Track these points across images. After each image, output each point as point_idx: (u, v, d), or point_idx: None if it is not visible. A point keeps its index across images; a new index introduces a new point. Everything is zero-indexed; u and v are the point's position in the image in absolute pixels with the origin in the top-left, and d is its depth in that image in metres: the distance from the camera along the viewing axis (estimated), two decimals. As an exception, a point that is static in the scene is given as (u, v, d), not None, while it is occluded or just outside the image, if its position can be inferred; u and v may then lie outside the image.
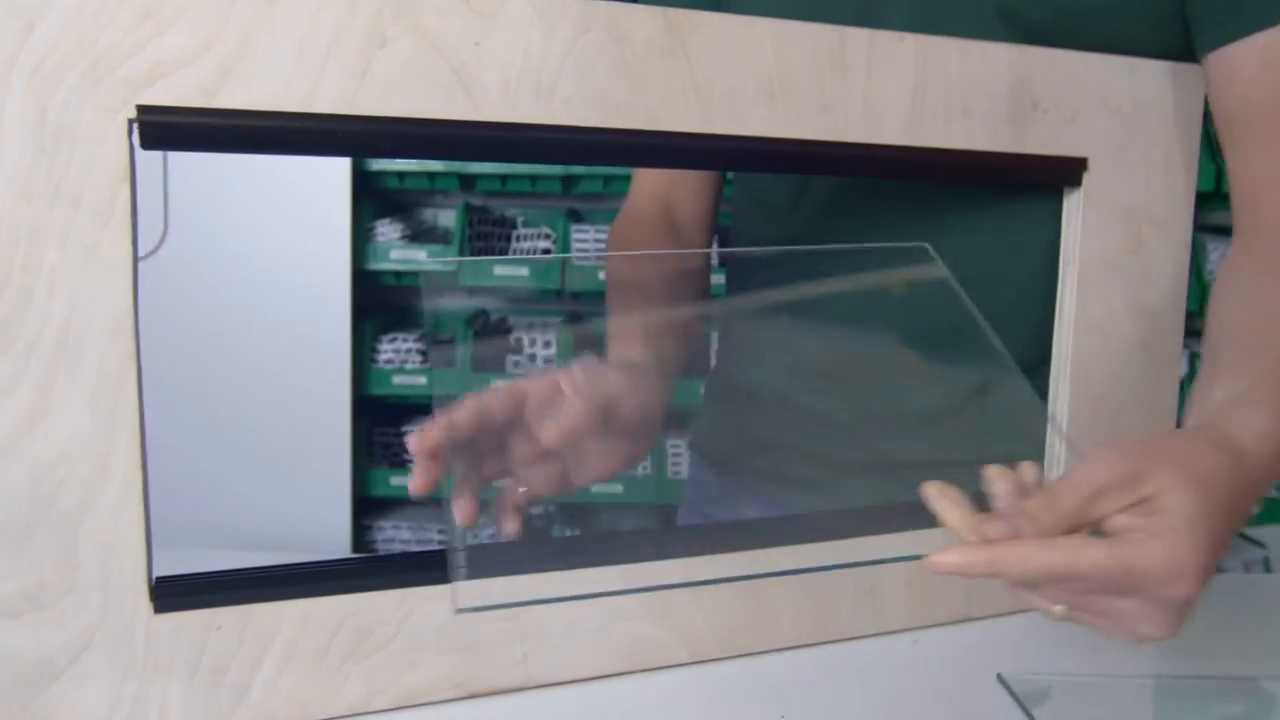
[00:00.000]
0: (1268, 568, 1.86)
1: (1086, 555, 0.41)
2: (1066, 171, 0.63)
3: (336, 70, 0.48)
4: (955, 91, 0.60)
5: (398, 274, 1.73)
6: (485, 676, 0.55)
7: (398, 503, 1.91)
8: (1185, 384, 0.61)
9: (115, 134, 0.45)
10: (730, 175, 0.84)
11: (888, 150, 0.58)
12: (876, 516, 0.62)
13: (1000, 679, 0.57)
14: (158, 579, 0.49)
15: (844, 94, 0.57)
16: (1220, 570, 1.80)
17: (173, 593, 0.49)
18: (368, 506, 1.83)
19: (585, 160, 0.52)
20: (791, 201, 0.75)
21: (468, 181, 1.78)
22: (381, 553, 1.81)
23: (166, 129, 0.46)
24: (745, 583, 0.59)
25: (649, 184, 0.79)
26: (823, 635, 0.62)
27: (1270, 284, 0.59)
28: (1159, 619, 0.42)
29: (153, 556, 0.48)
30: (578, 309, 1.96)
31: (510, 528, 0.55)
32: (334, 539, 1.66)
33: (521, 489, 0.57)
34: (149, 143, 0.46)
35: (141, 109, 0.45)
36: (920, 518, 0.64)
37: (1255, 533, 1.95)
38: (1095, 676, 0.59)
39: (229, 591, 0.50)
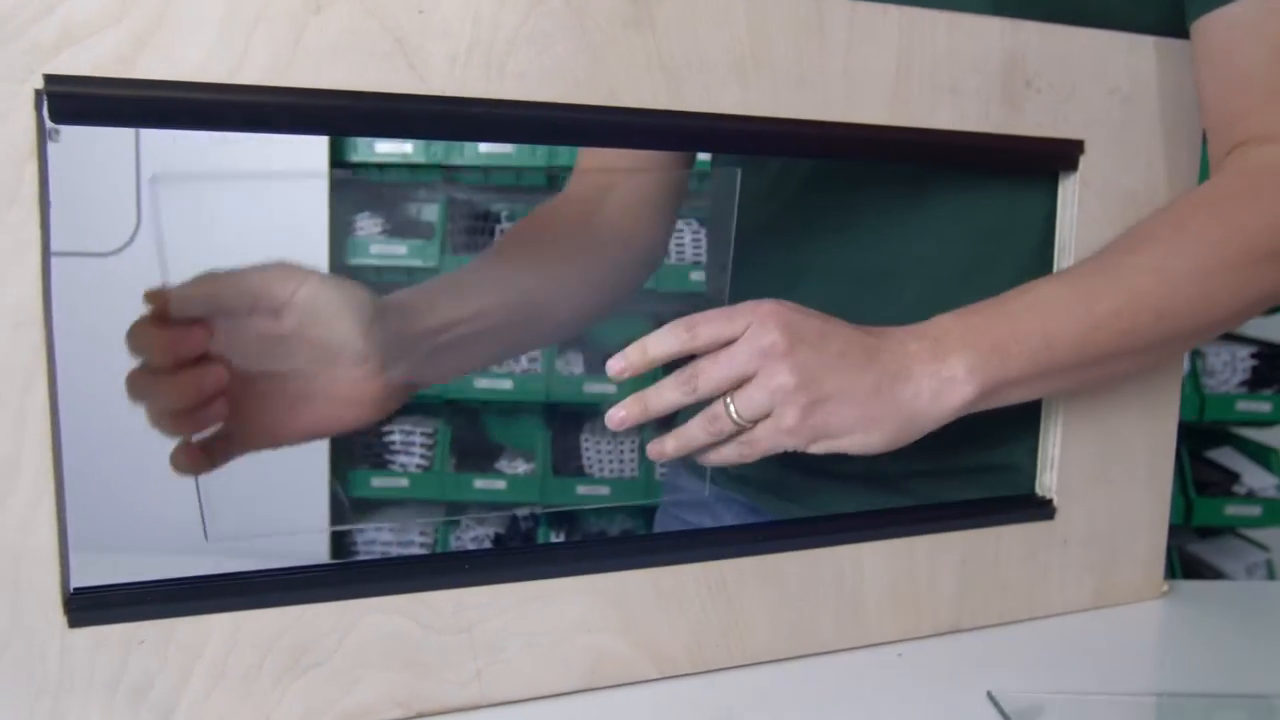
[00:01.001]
0: (1271, 573, 1.82)
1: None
2: (1062, 154, 0.59)
3: (266, 38, 0.44)
4: (943, 67, 0.56)
5: (378, 269, 1.70)
6: (434, 695, 0.51)
7: (379, 504, 1.88)
8: (1186, 382, 0.58)
9: (21, 106, 0.41)
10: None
11: (869, 130, 0.54)
12: (855, 524, 0.59)
13: (990, 696, 0.54)
14: (75, 590, 0.45)
15: (822, 69, 0.53)
16: (1222, 576, 1.76)
17: (90, 605, 0.45)
18: (348, 508, 1.80)
19: (540, 140, 0.49)
20: (771, 186, 0.71)
21: (450, 174, 1.74)
22: (361, 557, 1.77)
23: (78, 101, 0.42)
24: (719, 593, 0.56)
25: (590, 163, 0.75)
26: (801, 648, 0.59)
27: (1146, 231, 0.58)
28: (767, 354, 0.50)
29: (69, 565, 0.45)
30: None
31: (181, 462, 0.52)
32: (310, 543, 1.62)
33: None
34: (59, 116, 0.42)
35: (50, 79, 0.41)
36: (900, 526, 0.61)
37: (1257, 535, 1.92)
38: (1092, 694, 0.55)
39: (152, 604, 0.46)
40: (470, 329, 0.60)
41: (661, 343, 0.51)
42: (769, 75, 0.52)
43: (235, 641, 0.47)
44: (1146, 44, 0.61)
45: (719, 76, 0.51)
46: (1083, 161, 0.60)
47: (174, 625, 0.46)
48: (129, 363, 0.50)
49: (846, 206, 0.67)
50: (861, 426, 0.53)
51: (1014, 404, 0.57)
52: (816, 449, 0.53)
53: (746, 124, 0.52)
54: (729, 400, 0.52)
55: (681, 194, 0.77)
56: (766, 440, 0.53)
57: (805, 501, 0.74)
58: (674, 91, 0.50)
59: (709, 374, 0.52)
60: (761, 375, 0.51)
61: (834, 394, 0.52)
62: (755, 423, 0.52)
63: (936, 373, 0.53)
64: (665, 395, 0.52)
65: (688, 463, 0.81)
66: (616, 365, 0.51)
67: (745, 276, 0.75)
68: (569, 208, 0.73)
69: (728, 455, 0.54)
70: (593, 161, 0.75)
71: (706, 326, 0.51)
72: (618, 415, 0.52)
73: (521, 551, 0.53)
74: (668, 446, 0.55)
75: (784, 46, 0.52)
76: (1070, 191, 0.61)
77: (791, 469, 0.73)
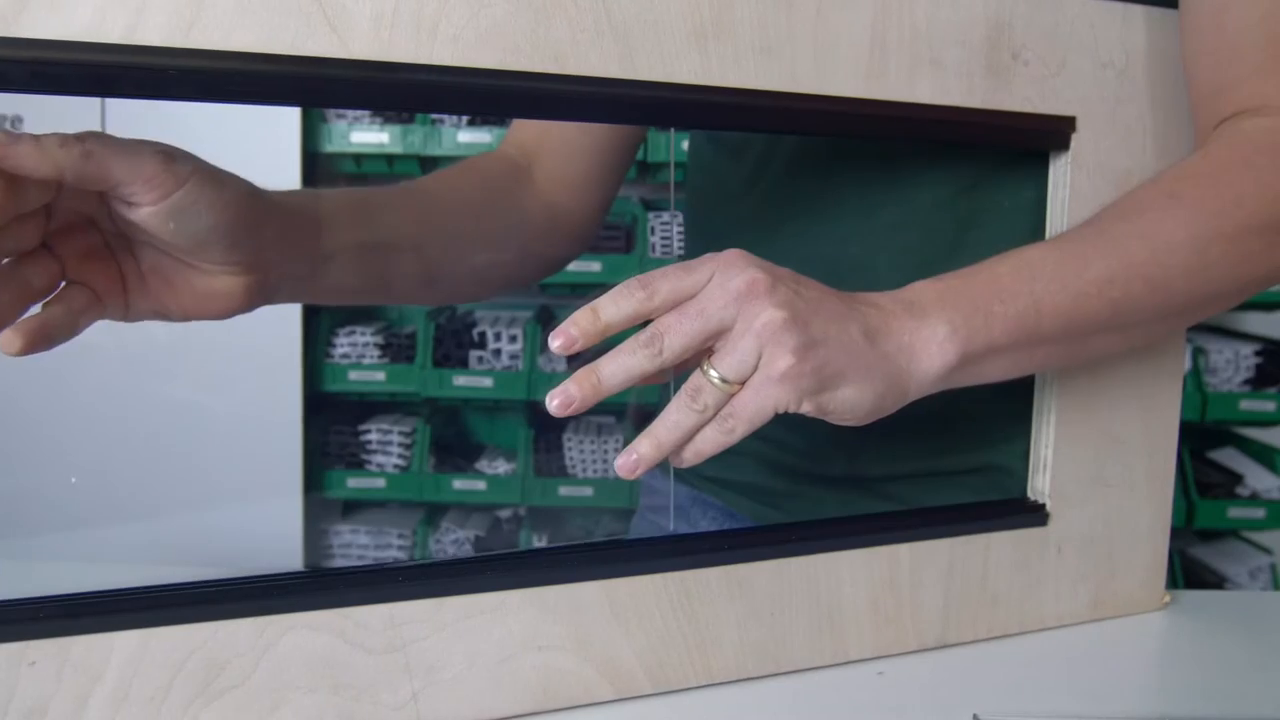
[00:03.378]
0: (1275, 576, 1.78)
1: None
2: (1052, 131, 0.55)
3: (167, -6, 0.40)
4: (922, 37, 0.52)
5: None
6: (366, 719, 0.47)
7: (356, 505, 1.85)
8: (1188, 380, 0.53)
9: (-114, 68, 0.37)
10: (683, 159, 0.76)
11: (842, 103, 0.50)
12: (831, 531, 0.55)
13: None
14: (-42, 606, 0.41)
15: (789, 36, 0.49)
16: (1224, 580, 1.71)
17: (-26, 623, 0.41)
18: (323, 510, 1.77)
19: (477, 110, 0.44)
20: (751, 174, 0.67)
21: (428, 165, 1.70)
22: (338, 562, 1.74)
23: (-48, 63, 0.38)
24: (682, 607, 0.52)
25: (517, 132, 0.69)
26: (772, 666, 0.55)
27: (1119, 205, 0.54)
28: (744, 296, 0.44)
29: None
30: (546, 301, 1.89)
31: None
32: (284, 545, 1.58)
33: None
34: (-68, 80, 0.38)
35: (-81, 38, 0.37)
36: (880, 532, 0.56)
37: (1261, 538, 1.88)
38: (1086, 717, 0.51)
39: (44, 620, 0.42)
40: (368, 255, 0.54)
41: (615, 305, 0.44)
42: (730, 42, 0.48)
43: (140, 662, 0.43)
44: (1142, 14, 0.57)
45: (676, 43, 0.47)
46: (1074, 140, 0.56)
47: (69, 644, 0.42)
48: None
49: (825, 194, 0.63)
50: (855, 376, 0.46)
51: (997, 381, 0.52)
52: (808, 406, 0.46)
53: (706, 95, 0.47)
54: (707, 367, 0.45)
55: (623, 170, 0.71)
56: (753, 401, 0.45)
57: (784, 506, 0.70)
58: (626, 59, 0.46)
59: (678, 328, 0.44)
60: (742, 320, 0.44)
61: (824, 338, 0.45)
62: (744, 383, 0.45)
63: (916, 330, 0.48)
64: (623, 362, 0.44)
65: (666, 465, 0.77)
66: (562, 337, 0.43)
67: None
68: (497, 166, 0.67)
69: (708, 441, 0.46)
70: (528, 122, 0.69)
71: (665, 281, 0.44)
72: (561, 395, 0.44)
73: (462, 562, 0.48)
74: (642, 449, 0.45)
75: (747, 11, 0.48)
76: (1061, 172, 0.57)
77: (770, 471, 0.70)
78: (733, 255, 0.46)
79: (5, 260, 0.43)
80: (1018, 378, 0.53)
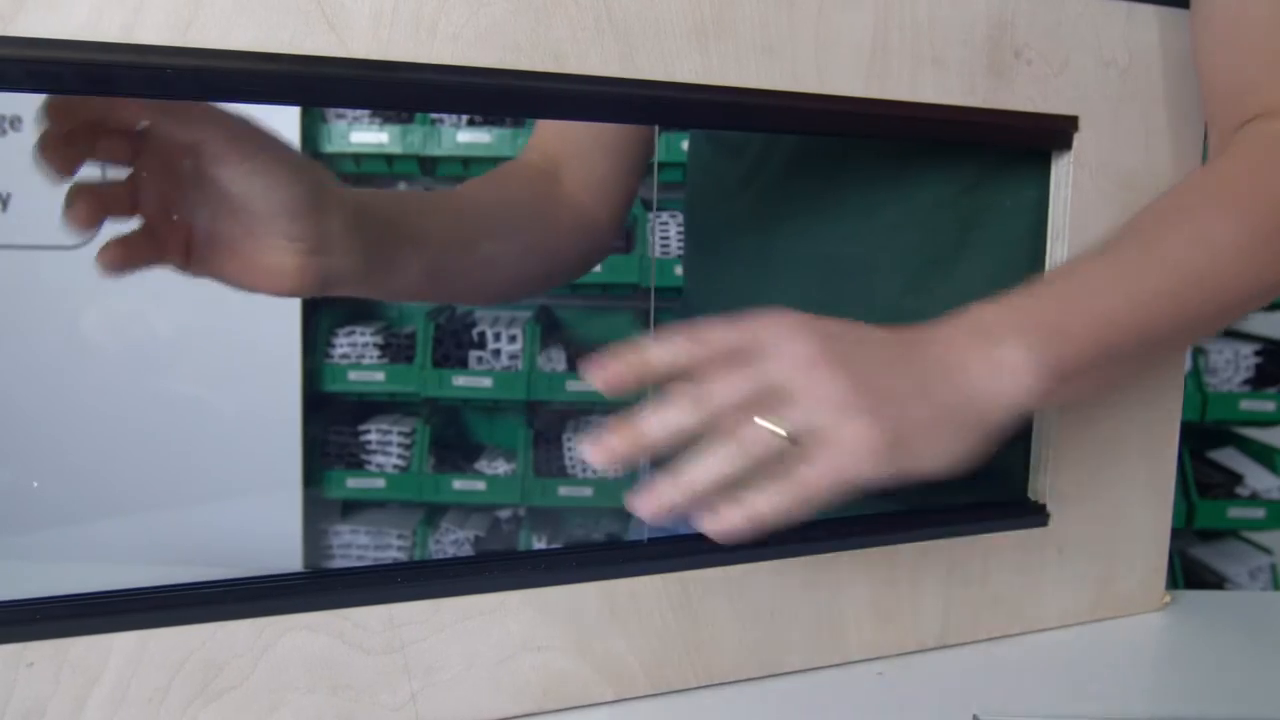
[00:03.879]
0: (1275, 577, 1.78)
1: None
2: (1054, 131, 0.55)
3: (165, -8, 0.39)
4: (924, 36, 0.51)
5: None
6: (364, 720, 0.47)
7: (356, 505, 1.84)
8: (1188, 380, 0.53)
9: (-116, 66, 0.37)
10: (683, 157, 0.76)
11: (843, 103, 0.50)
12: (830, 531, 0.55)
13: (976, 720, 0.50)
14: (-44, 607, 0.41)
15: (791, 35, 0.49)
16: (1224, 580, 1.70)
17: (-28, 624, 0.41)
18: (323, 510, 1.76)
19: (476, 110, 0.44)
20: (749, 172, 0.67)
21: (428, 165, 1.70)
22: (337, 562, 1.74)
23: (-50, 61, 0.37)
24: (681, 607, 0.51)
25: (540, 138, 0.70)
26: (771, 667, 0.54)
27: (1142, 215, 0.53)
28: (806, 364, 0.42)
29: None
30: (547, 301, 1.89)
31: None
32: (283, 545, 1.58)
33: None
34: (-70, 78, 0.37)
35: (-83, 36, 0.37)
36: (880, 533, 0.56)
37: (1261, 538, 1.88)
38: (1087, 718, 0.51)
39: (42, 622, 0.42)
40: (417, 253, 0.56)
41: (664, 349, 0.43)
42: (732, 41, 0.48)
43: (138, 663, 0.43)
44: (1146, 12, 0.57)
45: (676, 41, 0.47)
46: (1077, 139, 0.56)
47: (68, 645, 0.42)
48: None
49: (825, 193, 0.63)
50: (935, 425, 0.44)
51: (1074, 402, 0.51)
52: (893, 470, 0.43)
53: (707, 94, 0.47)
54: (768, 421, 0.42)
55: (639, 170, 0.72)
56: (831, 473, 0.41)
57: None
58: (626, 58, 0.46)
59: (727, 381, 0.42)
60: (807, 391, 0.42)
61: (893, 390, 0.43)
62: (796, 441, 0.42)
63: (988, 356, 0.45)
64: (667, 416, 0.42)
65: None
66: (606, 372, 0.41)
67: (716, 269, 0.71)
68: (527, 172, 0.69)
69: (768, 505, 0.42)
70: (549, 128, 0.71)
71: (713, 333, 0.43)
72: (604, 449, 0.41)
73: (461, 563, 0.48)
74: (670, 493, 0.42)
75: (749, 9, 0.48)
76: (1063, 172, 0.57)
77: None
78: (790, 318, 0.44)
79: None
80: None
